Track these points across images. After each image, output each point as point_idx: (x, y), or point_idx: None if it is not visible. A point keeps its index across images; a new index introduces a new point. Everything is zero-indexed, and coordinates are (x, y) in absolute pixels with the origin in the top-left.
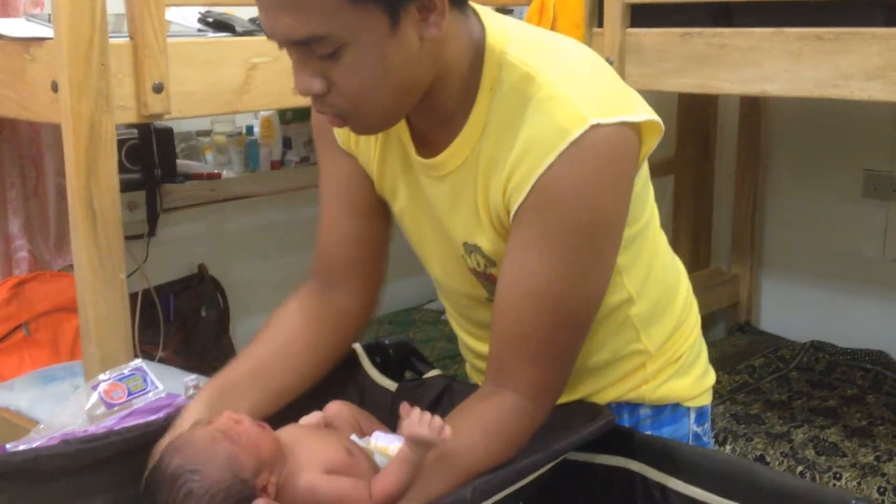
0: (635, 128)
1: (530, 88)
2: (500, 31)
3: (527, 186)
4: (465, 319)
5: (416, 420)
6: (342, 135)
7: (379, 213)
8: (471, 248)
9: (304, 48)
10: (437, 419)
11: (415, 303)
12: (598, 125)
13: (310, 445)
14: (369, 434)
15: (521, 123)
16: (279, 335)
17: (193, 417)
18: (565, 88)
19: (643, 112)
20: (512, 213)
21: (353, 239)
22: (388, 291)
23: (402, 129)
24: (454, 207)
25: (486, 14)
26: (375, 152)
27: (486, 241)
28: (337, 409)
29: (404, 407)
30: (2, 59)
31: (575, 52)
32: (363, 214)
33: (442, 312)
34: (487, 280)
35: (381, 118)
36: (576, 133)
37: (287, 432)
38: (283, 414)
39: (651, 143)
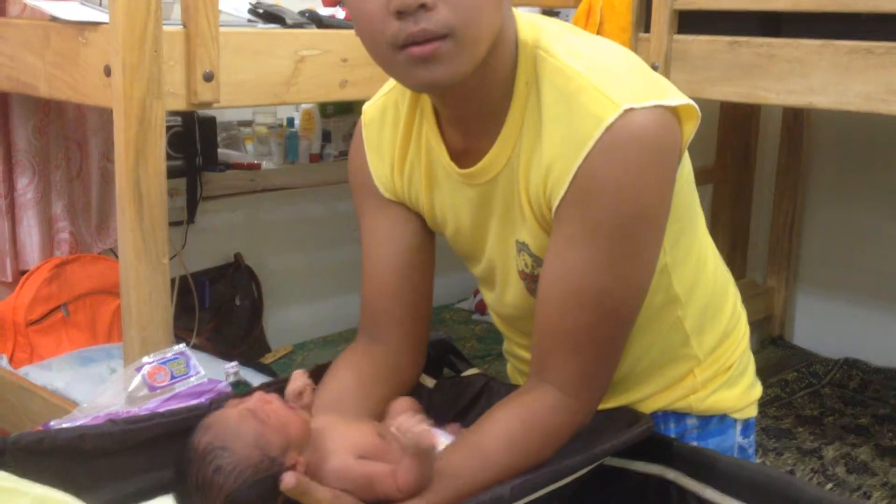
0: (673, 112)
1: (559, 80)
2: (531, 26)
3: (566, 179)
4: (516, 332)
5: (402, 428)
6: (386, 183)
7: (423, 262)
8: (520, 247)
9: None
10: (419, 428)
11: (446, 301)
12: (631, 109)
13: (343, 430)
14: None
15: (556, 117)
16: (332, 391)
17: None
18: (594, 78)
19: (676, 97)
20: (553, 207)
21: (399, 293)
22: None
23: (439, 147)
24: (502, 208)
25: (515, 10)
26: (423, 181)
27: (531, 237)
28: (405, 404)
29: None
30: (56, 41)
31: (599, 43)
32: (407, 266)
33: (472, 312)
34: (535, 283)
35: (470, 54)
36: (609, 119)
37: (321, 419)
38: None
39: (690, 128)
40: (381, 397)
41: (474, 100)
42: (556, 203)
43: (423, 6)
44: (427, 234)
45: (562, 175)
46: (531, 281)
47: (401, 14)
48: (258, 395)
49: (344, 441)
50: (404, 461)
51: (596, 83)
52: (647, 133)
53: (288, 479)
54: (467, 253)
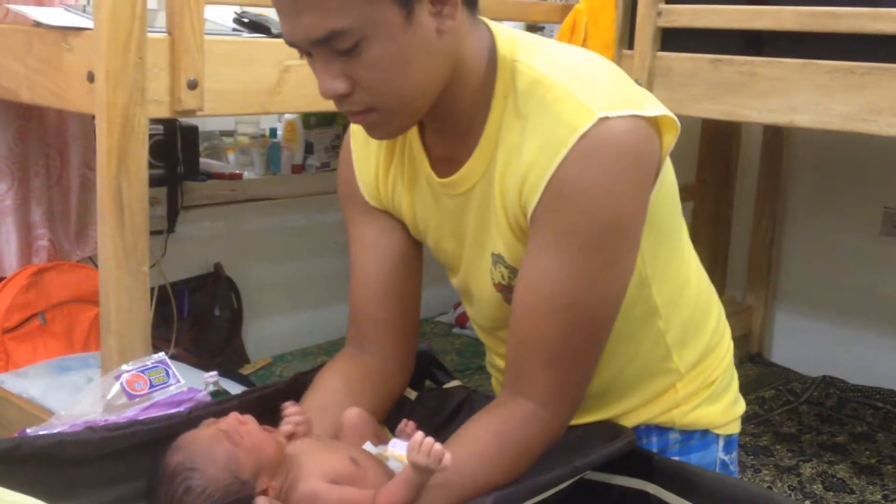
0: (650, 122)
1: (538, 91)
2: (509, 40)
3: (540, 186)
4: (497, 341)
5: (417, 447)
6: (371, 191)
7: (410, 270)
8: (496, 259)
9: (325, 48)
10: (437, 447)
11: (426, 315)
12: (606, 118)
13: (315, 455)
14: (385, 442)
15: (533, 127)
16: (320, 397)
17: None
18: (571, 87)
19: (655, 107)
20: (529, 215)
21: (386, 300)
22: None
23: (421, 156)
24: (478, 220)
25: (493, 24)
26: (405, 189)
27: (506, 249)
28: (354, 415)
29: (407, 426)
30: (38, 47)
31: (580, 54)
32: (394, 274)
33: (452, 325)
34: (512, 294)
35: (402, 115)
36: (583, 128)
37: (296, 444)
38: None
39: (669, 140)
40: (370, 405)
41: (449, 118)
42: (530, 210)
43: (340, 95)
44: (413, 242)
45: (536, 182)
46: (508, 292)
47: None
48: (233, 415)
49: (316, 466)
50: (395, 481)
51: (573, 92)
52: (620, 141)
53: (260, 502)
54: (447, 263)
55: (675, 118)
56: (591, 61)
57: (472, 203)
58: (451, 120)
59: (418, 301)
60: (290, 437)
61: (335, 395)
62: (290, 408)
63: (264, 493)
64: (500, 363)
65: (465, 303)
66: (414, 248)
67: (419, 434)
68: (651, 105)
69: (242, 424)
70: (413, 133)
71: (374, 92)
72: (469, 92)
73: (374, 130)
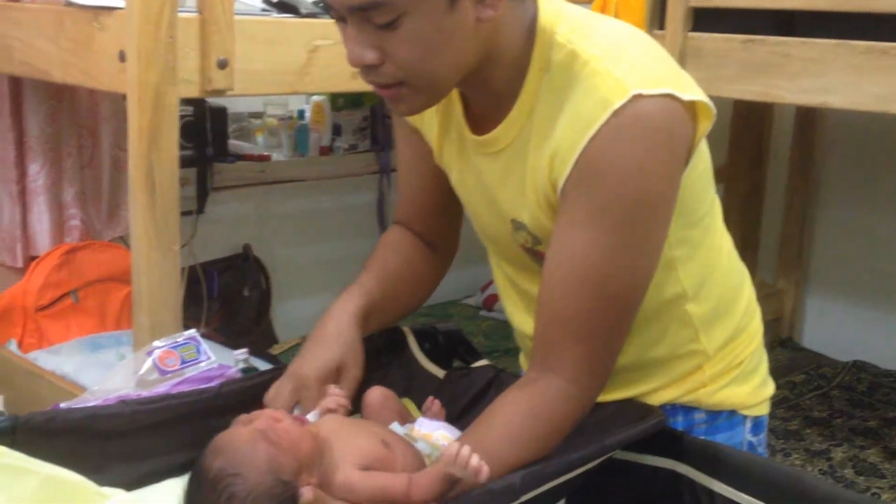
0: (686, 106)
1: (575, 65)
2: (553, 13)
3: (571, 160)
4: (520, 294)
5: (454, 459)
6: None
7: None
8: (518, 225)
9: (361, 17)
10: (475, 461)
11: (452, 297)
12: (639, 95)
13: (346, 439)
14: (410, 419)
15: (567, 100)
16: (401, 259)
17: (344, 327)
18: (608, 62)
19: (692, 92)
20: (558, 189)
21: (430, 201)
22: None
23: (457, 107)
24: (504, 184)
25: None
26: (435, 128)
27: (529, 217)
28: (378, 394)
29: (433, 404)
30: (70, 27)
31: (623, 30)
32: (435, 186)
33: (479, 308)
34: (536, 256)
35: (428, 93)
36: (617, 104)
37: (325, 425)
38: None
39: (704, 126)
40: (431, 279)
41: (482, 88)
42: (561, 184)
43: (368, 65)
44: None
45: (567, 156)
46: (532, 255)
47: None
48: (267, 413)
49: (349, 451)
50: (426, 476)
51: (609, 67)
52: (653, 119)
53: (307, 495)
54: (466, 205)
55: (712, 105)
56: (632, 38)
57: (498, 166)
58: (484, 89)
59: (460, 210)
60: (325, 412)
61: (411, 262)
62: (335, 388)
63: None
64: (524, 323)
65: (489, 249)
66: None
67: (455, 445)
68: (688, 88)
69: (277, 422)
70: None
71: (403, 68)
72: (503, 67)
73: (397, 105)
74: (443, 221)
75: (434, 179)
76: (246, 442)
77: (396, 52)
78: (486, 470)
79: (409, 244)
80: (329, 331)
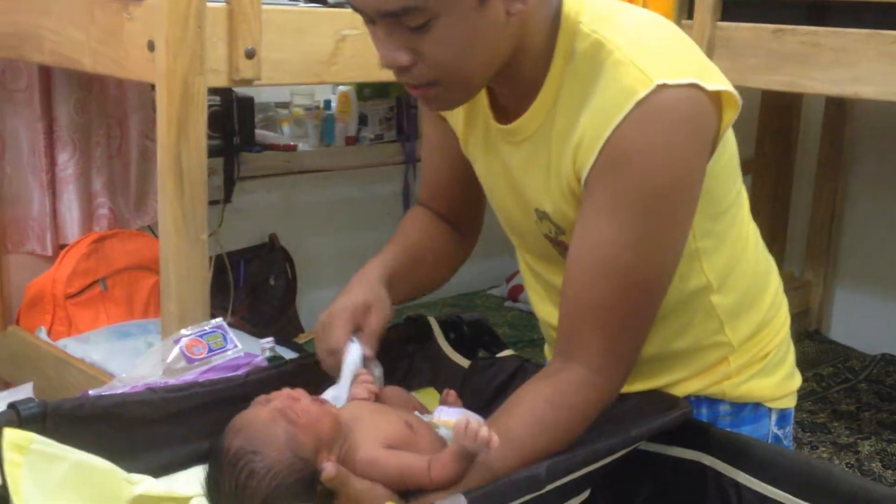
0: (711, 96)
1: (600, 54)
2: (577, 1)
3: (595, 150)
4: (544, 285)
5: (463, 431)
6: None
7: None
8: (541, 215)
9: (393, 20)
10: (484, 432)
11: (477, 288)
12: (664, 85)
13: (370, 420)
14: (430, 411)
15: (591, 90)
16: (423, 236)
17: (368, 280)
18: (633, 52)
19: (717, 82)
20: (583, 179)
21: (452, 183)
22: None
23: (482, 96)
24: (527, 173)
25: None
26: (461, 118)
27: (552, 207)
28: (394, 391)
29: (448, 395)
30: (100, 16)
31: (648, 19)
32: (460, 168)
33: (504, 298)
34: (560, 246)
35: (462, 91)
36: (641, 93)
37: (348, 408)
38: None
39: (729, 116)
40: (454, 260)
41: (508, 79)
42: (584, 173)
43: (401, 67)
44: None
45: (591, 146)
46: (556, 244)
47: None
48: (286, 392)
49: (373, 431)
50: (444, 455)
51: (633, 57)
52: (677, 109)
53: (329, 469)
54: (490, 195)
55: (738, 95)
56: (658, 27)
57: (521, 155)
58: (511, 79)
59: (482, 195)
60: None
61: (434, 237)
62: (366, 375)
63: None
64: (549, 314)
65: (513, 240)
66: None
67: (463, 418)
68: (714, 78)
69: (296, 401)
70: None
71: (436, 68)
72: (531, 58)
73: (430, 103)
74: (466, 204)
75: (459, 163)
76: (265, 421)
77: (429, 53)
78: (495, 439)
79: (431, 222)
80: (352, 283)
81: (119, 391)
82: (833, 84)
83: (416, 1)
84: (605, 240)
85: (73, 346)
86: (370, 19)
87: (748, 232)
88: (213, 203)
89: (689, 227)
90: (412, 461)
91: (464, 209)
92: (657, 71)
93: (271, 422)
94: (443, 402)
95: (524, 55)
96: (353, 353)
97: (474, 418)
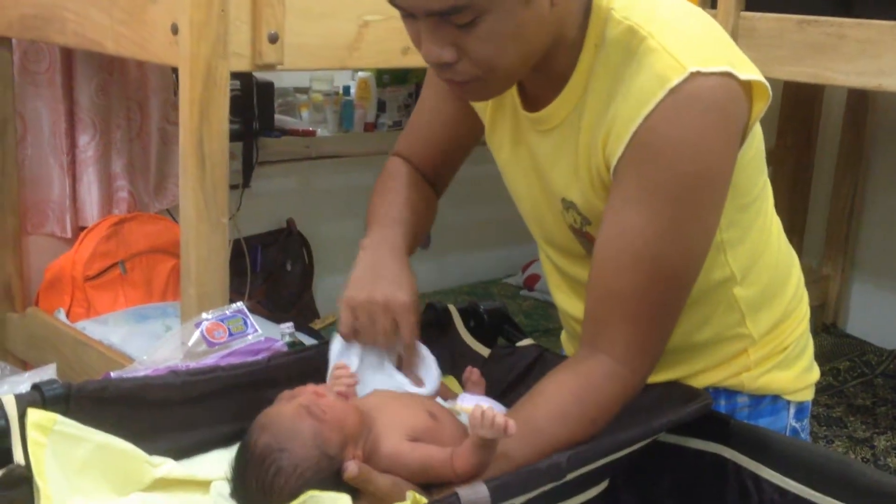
0: (743, 85)
1: (632, 42)
2: None
3: (625, 138)
4: (564, 278)
5: (479, 421)
6: None
7: (463, 140)
8: (568, 204)
9: (438, 17)
10: (499, 419)
11: (494, 276)
12: (698, 73)
13: (393, 412)
14: (452, 396)
15: (622, 77)
16: (421, 192)
17: (408, 282)
18: (666, 39)
19: (749, 71)
20: (612, 167)
21: (445, 135)
22: (467, 264)
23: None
24: (555, 162)
25: None
26: (488, 105)
27: (580, 196)
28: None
29: (472, 373)
30: None
31: (680, 6)
32: (452, 133)
33: (520, 287)
34: (585, 238)
35: (504, 83)
36: (674, 81)
37: (371, 399)
38: None
39: (760, 107)
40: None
41: (540, 67)
42: (614, 162)
43: (445, 63)
44: (477, 128)
45: (621, 133)
46: (581, 236)
47: None
48: (311, 388)
49: (395, 423)
50: (465, 447)
51: (666, 45)
52: (711, 97)
53: (351, 468)
54: (513, 185)
55: (768, 86)
56: (690, 15)
57: (550, 143)
58: (543, 68)
59: (460, 161)
60: (344, 395)
61: (420, 188)
62: (338, 369)
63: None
64: (570, 305)
65: (535, 232)
66: (476, 131)
67: (478, 408)
68: (746, 68)
69: (321, 397)
70: None
71: (481, 64)
72: (565, 47)
73: (470, 95)
74: (445, 167)
75: (454, 126)
76: (291, 417)
77: (474, 49)
78: (512, 425)
79: (420, 179)
80: (387, 265)
81: (141, 374)
82: (858, 76)
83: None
84: (635, 229)
85: (91, 328)
86: (411, 14)
87: (772, 224)
88: (231, 188)
89: (719, 216)
90: (435, 454)
91: (442, 170)
92: (690, 59)
93: (297, 418)
94: (466, 381)
95: (558, 45)
96: (335, 348)
97: (489, 406)
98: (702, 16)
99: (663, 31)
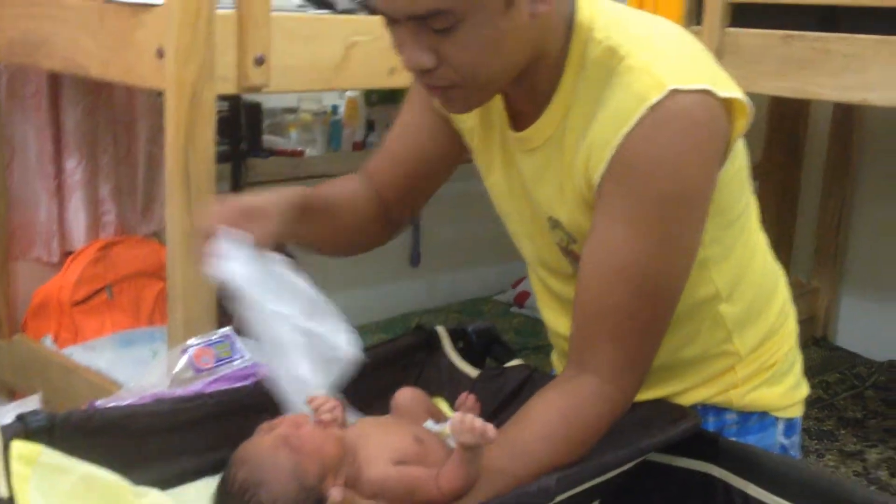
0: (723, 103)
1: (612, 61)
2: (590, 8)
3: (607, 156)
4: (553, 297)
5: (459, 427)
6: None
7: (439, 167)
8: (554, 223)
9: (418, 23)
10: (479, 423)
11: (484, 293)
12: (677, 91)
13: (379, 437)
14: (442, 419)
15: (603, 96)
16: (346, 193)
17: (278, 205)
18: (645, 58)
19: (729, 89)
20: (594, 186)
21: (408, 169)
22: (456, 282)
23: (498, 103)
24: (540, 181)
25: None
26: (475, 122)
27: (566, 215)
28: (409, 395)
29: (468, 399)
30: (109, 23)
31: (660, 25)
32: (424, 159)
33: (510, 305)
34: (571, 256)
35: (482, 92)
36: (654, 99)
37: (357, 427)
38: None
39: (741, 125)
40: (373, 229)
41: (524, 86)
42: (596, 180)
43: (425, 69)
44: (450, 155)
45: (603, 152)
46: (568, 254)
47: None
48: (290, 419)
49: (380, 449)
50: (450, 463)
51: (645, 64)
52: (690, 114)
53: (335, 495)
54: (501, 204)
55: (750, 104)
56: (670, 34)
57: (535, 162)
58: (526, 86)
59: (433, 188)
60: (328, 425)
61: (356, 199)
62: (315, 399)
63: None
64: (558, 324)
65: (524, 252)
66: (449, 156)
67: (457, 414)
68: (726, 85)
69: (299, 428)
70: None
71: (460, 70)
72: (547, 64)
73: (452, 104)
74: (410, 193)
75: (429, 150)
76: (268, 450)
77: (453, 55)
78: (490, 428)
79: (364, 194)
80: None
81: (126, 402)
82: (842, 91)
83: (444, 3)
84: (619, 246)
85: (79, 354)
86: (393, 21)
87: (756, 242)
88: None
89: (701, 232)
90: (420, 474)
91: (405, 196)
92: (670, 77)
93: (275, 451)
94: (460, 406)
95: (540, 61)
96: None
97: (460, 413)
98: (682, 34)
99: (643, 50)
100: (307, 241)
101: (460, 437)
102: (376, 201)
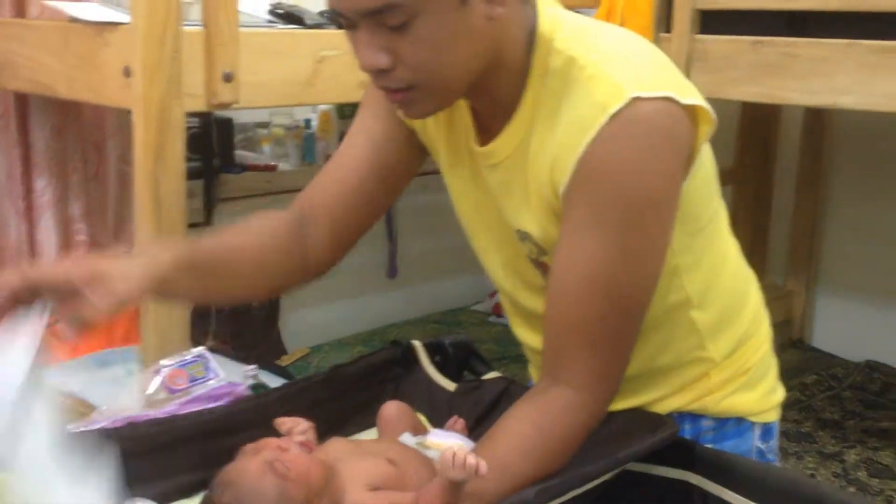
0: (685, 109)
1: (572, 71)
2: (552, 19)
3: (571, 166)
4: (521, 312)
5: (450, 463)
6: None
7: (389, 186)
8: (523, 236)
9: (372, 21)
10: (471, 460)
11: (462, 304)
12: (638, 98)
13: (353, 462)
14: (422, 432)
15: (565, 106)
16: (250, 236)
17: (152, 265)
18: (606, 66)
19: (691, 96)
20: (560, 195)
21: (354, 192)
22: (435, 292)
23: (466, 116)
24: (508, 194)
25: (542, 2)
26: (441, 133)
27: (535, 226)
28: (395, 409)
29: (457, 423)
30: (75, 43)
31: (622, 35)
32: (375, 176)
33: (488, 314)
34: (542, 268)
35: (439, 96)
36: (615, 107)
37: (331, 448)
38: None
39: (704, 131)
40: (285, 272)
41: (487, 97)
42: (561, 189)
43: (381, 70)
44: (406, 164)
45: (567, 161)
46: (537, 266)
47: None
48: (274, 442)
49: (356, 474)
50: (432, 488)
51: (606, 72)
52: (652, 121)
53: None
54: (470, 220)
55: (712, 111)
56: (631, 43)
57: (500, 176)
58: (489, 97)
59: (377, 217)
60: (305, 446)
61: (260, 246)
62: (286, 422)
63: None
64: (531, 339)
65: (485, 264)
66: (404, 167)
67: (449, 450)
68: (688, 93)
69: (284, 452)
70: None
71: (415, 70)
72: (507, 74)
73: (409, 108)
74: (353, 223)
75: (377, 172)
76: (254, 474)
77: (409, 54)
78: (483, 465)
79: (285, 230)
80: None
81: (98, 426)
82: (811, 95)
83: None
84: (587, 256)
85: (51, 377)
86: (351, 24)
87: (727, 248)
88: (193, 226)
89: (668, 239)
90: (398, 500)
91: (340, 227)
92: (631, 84)
93: (261, 475)
94: (449, 429)
95: (501, 71)
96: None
97: (459, 445)
98: (643, 43)
99: (604, 59)
100: (194, 294)
101: (450, 474)
102: (296, 237)
